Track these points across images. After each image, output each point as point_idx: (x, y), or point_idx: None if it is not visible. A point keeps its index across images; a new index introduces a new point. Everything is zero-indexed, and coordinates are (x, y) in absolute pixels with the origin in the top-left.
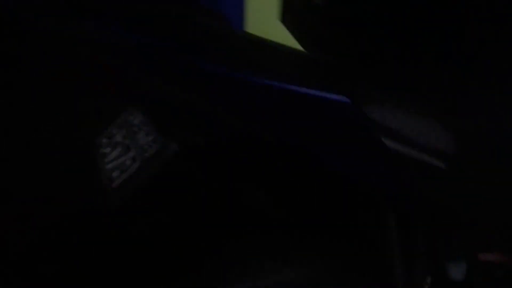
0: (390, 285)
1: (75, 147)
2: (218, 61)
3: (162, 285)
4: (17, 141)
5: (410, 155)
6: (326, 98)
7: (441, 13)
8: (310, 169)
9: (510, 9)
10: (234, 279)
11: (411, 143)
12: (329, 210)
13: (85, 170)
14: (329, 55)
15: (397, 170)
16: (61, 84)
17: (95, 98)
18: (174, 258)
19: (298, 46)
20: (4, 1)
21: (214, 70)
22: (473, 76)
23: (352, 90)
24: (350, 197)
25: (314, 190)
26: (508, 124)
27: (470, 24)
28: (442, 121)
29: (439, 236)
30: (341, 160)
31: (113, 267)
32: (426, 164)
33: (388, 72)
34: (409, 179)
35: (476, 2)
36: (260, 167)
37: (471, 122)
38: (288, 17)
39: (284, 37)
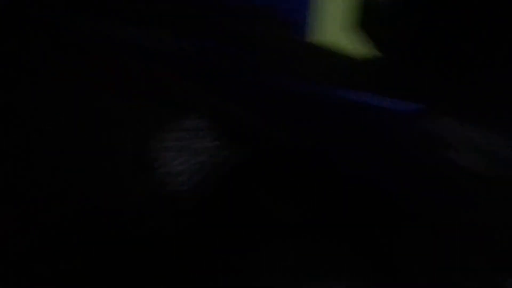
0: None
1: (137, 151)
2: (299, 76)
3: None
4: (79, 140)
5: (477, 172)
6: (401, 110)
7: None
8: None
9: None
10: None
11: (482, 161)
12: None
13: (143, 173)
14: (410, 61)
15: (461, 188)
16: (129, 89)
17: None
18: (214, 262)
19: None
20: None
21: (301, 88)
22: None
23: (429, 100)
24: (400, 215)
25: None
26: None
27: None
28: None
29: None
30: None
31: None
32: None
33: (469, 85)
34: (475, 198)
35: None
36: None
37: None
38: (370, 24)
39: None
